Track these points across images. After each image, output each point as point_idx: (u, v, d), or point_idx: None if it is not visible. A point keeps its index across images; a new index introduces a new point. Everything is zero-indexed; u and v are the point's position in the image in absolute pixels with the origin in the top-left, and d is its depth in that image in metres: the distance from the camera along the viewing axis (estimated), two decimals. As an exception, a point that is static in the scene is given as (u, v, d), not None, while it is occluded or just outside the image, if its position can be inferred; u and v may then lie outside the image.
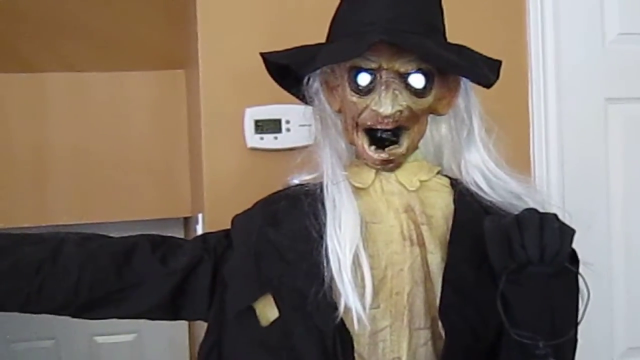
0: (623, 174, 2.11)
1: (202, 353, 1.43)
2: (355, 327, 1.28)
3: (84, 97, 2.47)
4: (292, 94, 1.48)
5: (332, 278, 1.28)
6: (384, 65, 1.31)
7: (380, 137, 1.34)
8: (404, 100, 1.32)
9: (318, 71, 1.40)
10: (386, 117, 1.30)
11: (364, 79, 1.33)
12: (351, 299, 1.27)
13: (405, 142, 1.35)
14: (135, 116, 2.49)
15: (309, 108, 1.45)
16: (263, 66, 1.44)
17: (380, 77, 1.32)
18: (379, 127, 1.33)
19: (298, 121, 1.81)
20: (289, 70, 1.44)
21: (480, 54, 1.39)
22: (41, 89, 2.44)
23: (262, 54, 1.43)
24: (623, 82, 2.09)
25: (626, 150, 2.11)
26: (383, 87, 1.31)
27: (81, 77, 2.46)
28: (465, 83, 1.41)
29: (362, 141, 1.35)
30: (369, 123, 1.33)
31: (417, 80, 1.33)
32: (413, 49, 1.29)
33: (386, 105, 1.30)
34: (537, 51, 2.04)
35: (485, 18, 1.98)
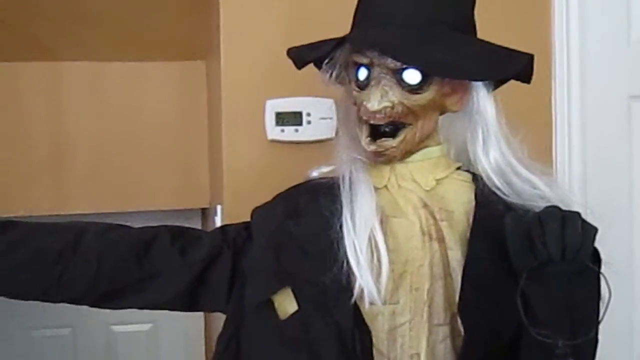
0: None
1: (219, 345, 1.44)
2: (366, 306, 1.29)
3: (104, 87, 2.47)
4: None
5: (348, 261, 1.28)
6: (376, 61, 1.32)
7: (381, 132, 1.35)
8: (395, 96, 1.32)
9: (337, 63, 1.41)
10: (375, 112, 1.32)
11: (362, 74, 1.34)
12: (364, 278, 1.27)
13: (400, 137, 1.35)
14: (155, 107, 2.49)
15: (332, 101, 1.46)
16: (285, 58, 1.44)
17: (373, 72, 1.33)
18: (372, 122, 1.34)
19: (319, 114, 1.82)
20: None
21: (497, 48, 1.38)
22: (60, 78, 2.44)
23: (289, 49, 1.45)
24: (648, 80, 2.08)
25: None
26: (373, 83, 1.33)
27: (101, 66, 2.46)
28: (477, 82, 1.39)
29: (363, 134, 1.36)
30: (364, 118, 1.34)
31: (411, 76, 1.32)
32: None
33: (373, 101, 1.31)
34: (562, 47, 2.03)
35: (510, 13, 1.97)
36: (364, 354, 1.30)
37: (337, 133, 1.45)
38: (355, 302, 1.29)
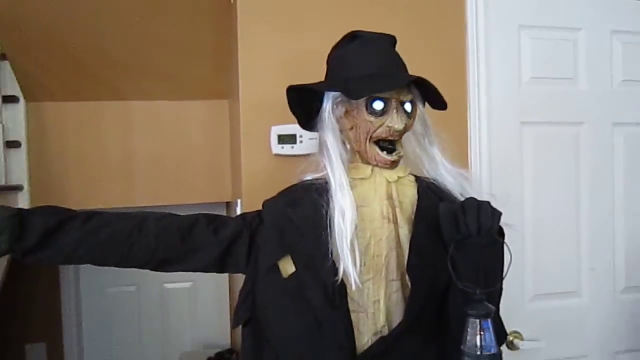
0: (533, 173, 2.10)
1: (241, 296, 1.43)
2: (353, 287, 1.28)
3: (158, 118, 2.47)
4: (298, 119, 1.46)
5: (335, 247, 1.28)
6: (395, 96, 1.32)
7: (386, 146, 1.35)
8: (405, 121, 1.33)
9: (343, 98, 1.36)
10: (397, 131, 1.32)
11: (379, 105, 1.32)
12: (350, 266, 1.26)
13: (400, 149, 1.36)
14: (193, 131, 2.50)
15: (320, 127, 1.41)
16: (284, 98, 1.42)
17: (391, 103, 1.32)
18: (390, 138, 1.33)
19: (308, 135, 1.81)
20: (303, 103, 1.42)
21: None
22: (128, 112, 2.45)
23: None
24: (533, 111, 2.08)
25: (535, 157, 2.10)
26: (395, 111, 1.32)
27: (156, 104, 2.46)
28: (421, 109, 1.40)
29: (374, 150, 1.35)
30: (383, 135, 1.33)
31: (408, 107, 1.35)
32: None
33: (400, 123, 1.31)
34: (474, 87, 2.03)
35: (434, 59, 1.96)
36: (341, 300, 1.30)
37: (320, 150, 1.41)
38: (335, 266, 1.28)
